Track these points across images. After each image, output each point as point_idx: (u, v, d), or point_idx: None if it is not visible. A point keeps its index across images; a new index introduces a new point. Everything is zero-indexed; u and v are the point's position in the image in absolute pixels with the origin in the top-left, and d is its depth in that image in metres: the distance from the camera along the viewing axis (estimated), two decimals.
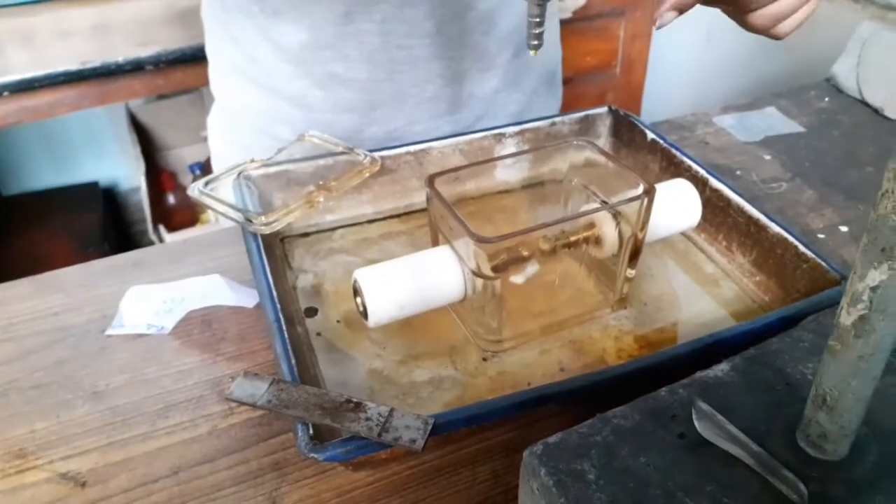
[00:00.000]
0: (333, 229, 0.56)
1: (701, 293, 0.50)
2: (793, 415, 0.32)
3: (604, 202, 0.48)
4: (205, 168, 1.62)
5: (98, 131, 1.65)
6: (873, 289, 0.25)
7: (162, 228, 1.47)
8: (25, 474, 0.39)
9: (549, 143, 0.58)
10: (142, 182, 1.41)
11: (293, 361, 0.38)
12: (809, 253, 0.46)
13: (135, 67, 0.96)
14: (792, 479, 0.29)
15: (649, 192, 0.43)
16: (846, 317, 0.26)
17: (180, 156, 1.67)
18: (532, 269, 0.48)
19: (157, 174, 1.62)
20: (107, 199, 1.71)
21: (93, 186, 1.71)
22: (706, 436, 0.31)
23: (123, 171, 1.73)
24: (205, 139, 1.65)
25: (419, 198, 0.58)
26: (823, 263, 0.45)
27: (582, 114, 0.62)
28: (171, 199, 1.62)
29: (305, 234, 0.55)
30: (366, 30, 0.58)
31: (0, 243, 1.50)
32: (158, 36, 1.00)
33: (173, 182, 1.64)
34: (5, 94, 0.91)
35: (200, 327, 0.48)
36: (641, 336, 0.47)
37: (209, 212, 1.60)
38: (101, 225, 1.58)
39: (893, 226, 0.23)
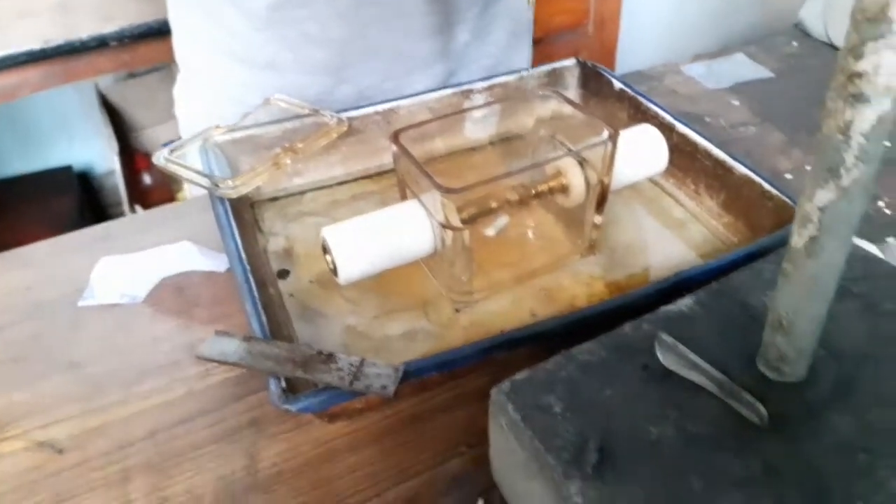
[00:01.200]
0: (303, 193, 0.56)
1: (670, 237, 0.51)
2: (753, 342, 0.32)
3: (570, 150, 0.48)
4: None
5: (68, 114, 1.62)
6: (822, 209, 0.25)
7: (139, 209, 1.46)
8: (2, 444, 0.39)
9: (516, 96, 0.58)
10: (115, 162, 1.39)
11: (264, 319, 0.38)
12: (774, 191, 0.46)
13: (99, 44, 0.94)
14: (752, 402, 0.30)
15: (613, 137, 0.43)
16: (797, 239, 0.27)
17: (154, 135, 1.65)
18: (501, 221, 0.48)
19: (131, 155, 1.61)
20: (82, 183, 1.69)
21: (67, 171, 1.68)
22: (669, 366, 0.32)
23: (97, 153, 1.71)
24: (177, 117, 1.64)
25: (389, 157, 0.58)
26: (788, 200, 0.45)
27: (550, 67, 0.62)
28: (147, 179, 1.61)
29: (275, 199, 0.55)
30: None
31: None
32: (121, 11, 0.98)
33: (148, 162, 1.62)
34: None
35: (173, 294, 0.48)
36: (612, 282, 0.47)
37: (185, 189, 1.59)
38: (78, 209, 1.56)
39: (837, 145, 0.24)
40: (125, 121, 1.60)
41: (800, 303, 0.28)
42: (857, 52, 0.21)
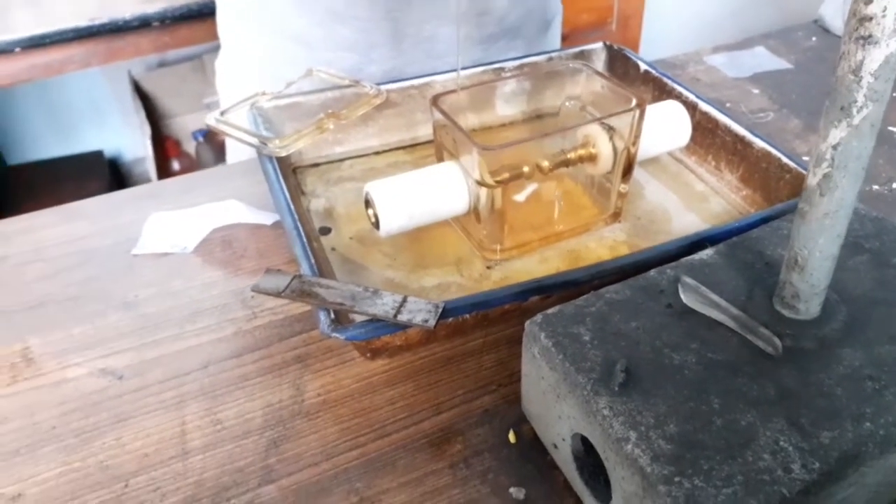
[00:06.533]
0: (342, 160, 0.59)
1: (691, 208, 0.53)
2: (770, 286, 0.35)
3: (598, 118, 0.50)
4: (208, 134, 1.64)
5: (101, 100, 1.67)
6: (835, 146, 0.28)
7: None
8: (67, 370, 0.43)
9: (548, 69, 0.60)
10: (147, 146, 1.43)
11: (313, 260, 0.41)
12: (792, 163, 0.49)
13: (142, 24, 0.98)
14: (768, 335, 0.32)
15: (640, 106, 0.46)
16: (812, 178, 0.29)
17: (183, 123, 1.69)
18: (531, 187, 0.51)
19: (161, 141, 1.65)
20: (111, 170, 1.74)
21: (98, 155, 1.73)
22: (691, 305, 0.35)
23: (127, 140, 1.75)
24: (208, 106, 1.68)
25: (424, 130, 0.61)
26: (805, 172, 0.48)
27: (578, 49, 0.64)
28: (176, 165, 1.65)
29: (316, 165, 0.58)
30: None
31: (6, 213, 1.52)
32: None
33: (177, 149, 1.66)
34: (17, 50, 0.94)
35: (221, 246, 0.52)
36: (635, 246, 0.50)
37: None
38: (108, 193, 1.61)
39: (849, 85, 0.26)
40: (156, 108, 1.65)
41: (814, 240, 0.30)
42: None
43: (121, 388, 0.41)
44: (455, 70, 0.61)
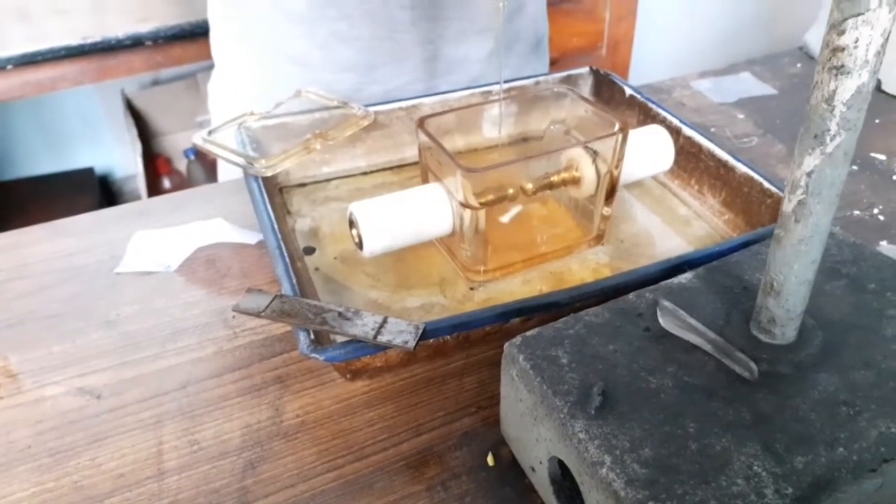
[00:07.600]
0: (329, 180, 0.59)
1: (674, 232, 0.54)
2: (747, 310, 0.35)
3: (582, 142, 0.51)
4: (199, 153, 1.64)
5: (93, 117, 1.67)
6: (809, 174, 0.28)
7: None
8: (45, 389, 0.42)
9: (534, 93, 0.61)
10: (138, 163, 1.43)
11: (294, 280, 0.41)
12: (773, 188, 0.49)
13: (134, 43, 0.98)
14: (744, 360, 0.32)
15: (623, 130, 0.47)
16: (787, 204, 0.30)
17: (175, 141, 1.69)
18: (515, 209, 0.51)
19: (153, 159, 1.65)
20: (102, 187, 1.74)
21: (88, 172, 1.73)
22: (669, 329, 0.35)
23: (118, 157, 1.75)
24: (200, 125, 1.68)
25: (411, 151, 0.61)
26: None
27: (564, 73, 0.65)
28: (167, 183, 1.65)
29: (303, 185, 0.59)
30: None
31: None
32: (156, 12, 1.03)
33: (169, 166, 1.66)
34: (9, 67, 0.94)
35: (205, 265, 0.51)
36: (617, 268, 0.50)
37: None
38: (99, 209, 1.60)
39: (823, 114, 0.27)
40: (149, 126, 1.65)
41: (789, 265, 0.31)
42: (838, 28, 0.24)
43: (98, 407, 0.41)
44: (443, 92, 0.62)
